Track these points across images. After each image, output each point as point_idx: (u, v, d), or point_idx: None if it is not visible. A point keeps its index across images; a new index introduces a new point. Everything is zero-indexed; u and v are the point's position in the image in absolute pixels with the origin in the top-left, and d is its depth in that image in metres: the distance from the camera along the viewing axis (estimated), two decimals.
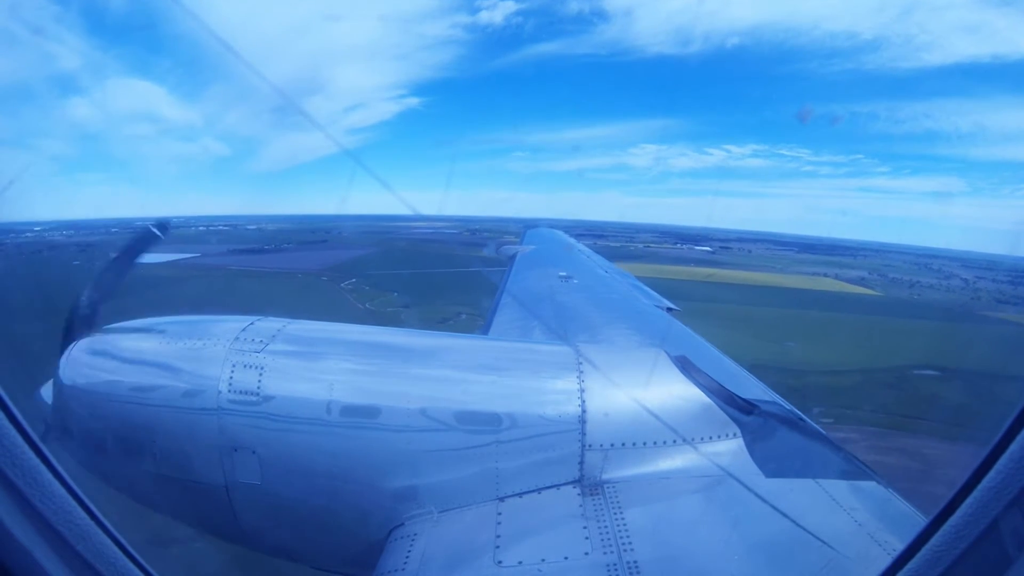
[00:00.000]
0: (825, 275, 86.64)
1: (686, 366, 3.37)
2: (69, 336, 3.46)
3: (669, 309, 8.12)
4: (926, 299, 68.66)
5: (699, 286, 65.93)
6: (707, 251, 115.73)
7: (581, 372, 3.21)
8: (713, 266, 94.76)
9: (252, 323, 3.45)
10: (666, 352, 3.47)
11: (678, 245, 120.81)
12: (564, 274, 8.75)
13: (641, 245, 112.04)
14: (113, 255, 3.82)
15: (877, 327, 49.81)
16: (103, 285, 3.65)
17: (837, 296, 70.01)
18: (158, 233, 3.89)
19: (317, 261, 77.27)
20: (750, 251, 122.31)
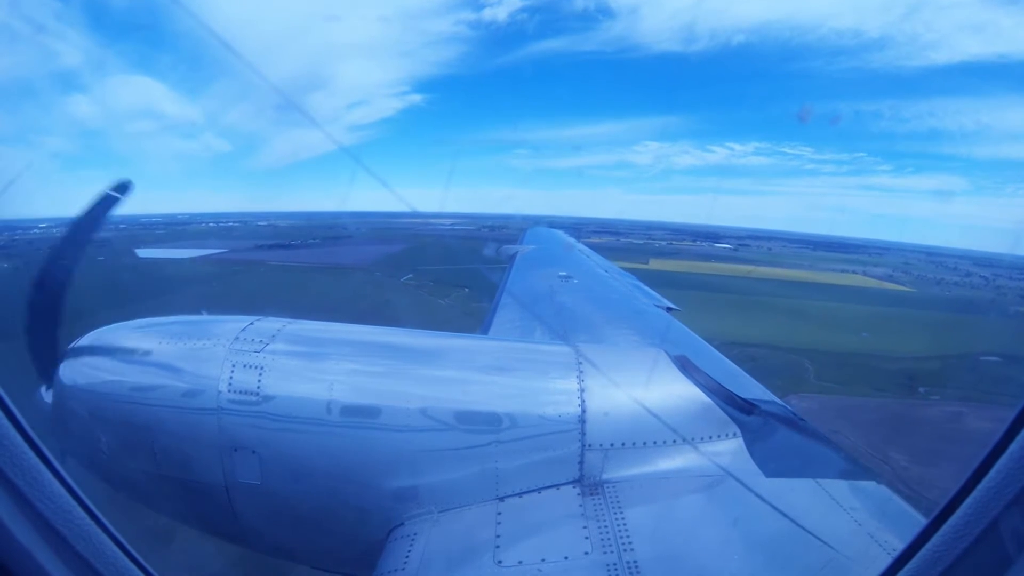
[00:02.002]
0: (853, 272, 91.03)
1: (686, 366, 3.36)
2: (48, 321, 3.44)
3: (669, 309, 8.13)
4: (956, 295, 71.93)
5: (747, 282, 71.11)
6: (728, 248, 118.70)
7: (581, 372, 3.21)
8: (742, 263, 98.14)
9: (252, 323, 3.46)
10: (666, 352, 3.46)
11: (697, 242, 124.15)
12: (564, 274, 8.77)
13: (664, 243, 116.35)
14: (72, 222, 3.64)
15: (926, 320, 54.94)
16: (66, 254, 3.57)
17: (875, 292, 74.36)
18: (118, 196, 3.70)
19: (356, 256, 77.36)
20: (770, 249, 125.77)
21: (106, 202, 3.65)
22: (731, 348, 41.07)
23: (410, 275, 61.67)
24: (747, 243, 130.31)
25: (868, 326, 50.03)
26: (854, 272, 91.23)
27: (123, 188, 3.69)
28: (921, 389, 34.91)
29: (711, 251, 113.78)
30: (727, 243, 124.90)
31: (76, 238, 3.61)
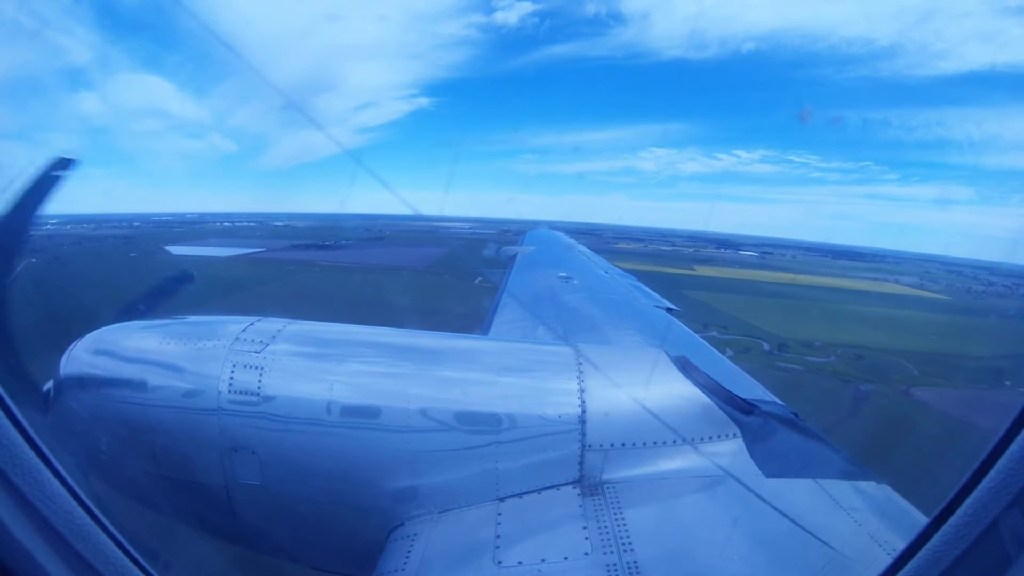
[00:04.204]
0: (884, 280, 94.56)
1: (686, 366, 3.35)
2: None
3: (669, 309, 8.15)
4: (989, 302, 73.94)
5: (797, 289, 76.11)
6: (754, 256, 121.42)
7: (581, 372, 3.20)
8: (778, 271, 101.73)
9: (252, 323, 3.46)
10: (666, 352, 3.46)
11: (721, 250, 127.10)
12: (564, 275, 8.80)
13: (692, 250, 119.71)
14: (17, 198, 3.06)
15: (975, 324, 56.68)
16: (10, 230, 3.21)
17: (915, 298, 77.91)
18: (59, 174, 3.20)
19: (403, 258, 76.40)
20: (793, 257, 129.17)
21: (43, 186, 3.16)
22: (835, 348, 44.94)
23: (479, 278, 61.17)
24: (770, 251, 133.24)
25: (929, 330, 53.55)
26: (884, 280, 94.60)
27: (64, 165, 3.23)
28: (1007, 383, 37.23)
29: (742, 258, 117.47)
30: (750, 251, 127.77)
31: (15, 225, 3.21)
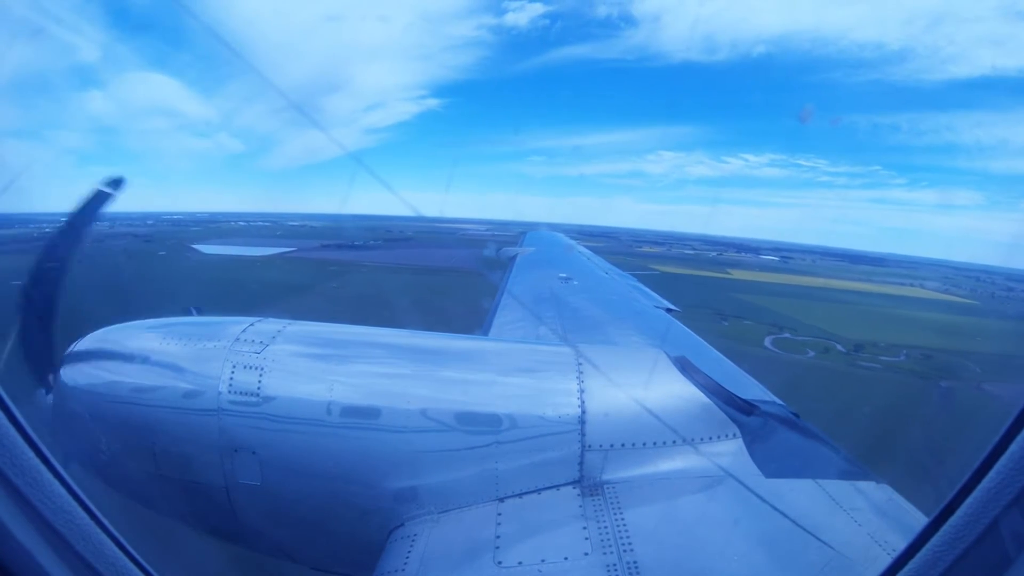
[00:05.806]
0: (910, 285, 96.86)
1: (686, 366, 3.34)
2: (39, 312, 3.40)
3: (669, 310, 8.15)
4: (1017, 307, 76.23)
5: (835, 293, 77.09)
6: (776, 260, 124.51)
7: (581, 372, 3.20)
8: (807, 275, 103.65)
9: (253, 324, 3.46)
10: (666, 352, 3.45)
11: (742, 254, 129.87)
12: (564, 275, 8.81)
13: (715, 254, 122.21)
14: (65, 219, 3.55)
15: (1012, 327, 58.09)
16: (60, 252, 3.51)
17: (945, 303, 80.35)
18: (111, 192, 3.58)
19: (448, 259, 73.61)
20: (813, 261, 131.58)
21: (99, 199, 3.56)
22: (899, 349, 46.90)
23: None
24: (790, 255, 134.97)
25: (971, 332, 55.02)
26: (909, 285, 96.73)
27: (116, 184, 3.59)
28: None
29: (764, 262, 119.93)
30: (770, 254, 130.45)
31: (69, 236, 3.56)
